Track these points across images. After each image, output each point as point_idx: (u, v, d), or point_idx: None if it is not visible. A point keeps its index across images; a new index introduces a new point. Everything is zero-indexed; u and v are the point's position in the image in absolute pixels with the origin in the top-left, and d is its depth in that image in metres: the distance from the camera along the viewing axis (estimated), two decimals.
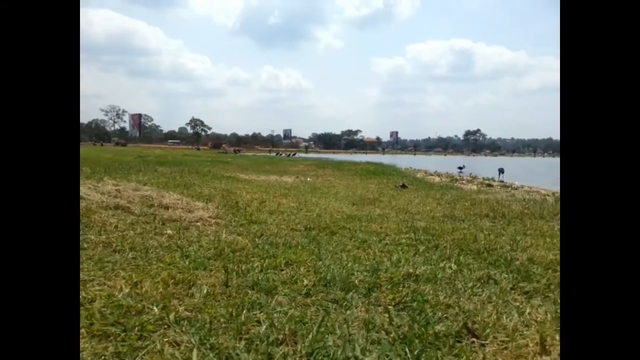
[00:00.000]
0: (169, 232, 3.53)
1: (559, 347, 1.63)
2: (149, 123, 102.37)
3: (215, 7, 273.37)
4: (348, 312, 1.97)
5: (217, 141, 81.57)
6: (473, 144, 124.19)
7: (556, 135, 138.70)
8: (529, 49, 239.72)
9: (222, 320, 1.81)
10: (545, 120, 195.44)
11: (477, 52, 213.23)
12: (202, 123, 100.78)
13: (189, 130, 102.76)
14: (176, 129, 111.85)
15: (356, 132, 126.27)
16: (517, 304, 2.15)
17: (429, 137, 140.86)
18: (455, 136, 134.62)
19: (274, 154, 45.39)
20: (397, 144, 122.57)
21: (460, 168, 20.37)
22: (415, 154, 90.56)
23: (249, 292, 2.18)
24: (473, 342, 1.68)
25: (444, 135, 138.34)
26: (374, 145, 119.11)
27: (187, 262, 2.68)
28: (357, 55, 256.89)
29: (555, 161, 71.47)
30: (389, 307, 2.06)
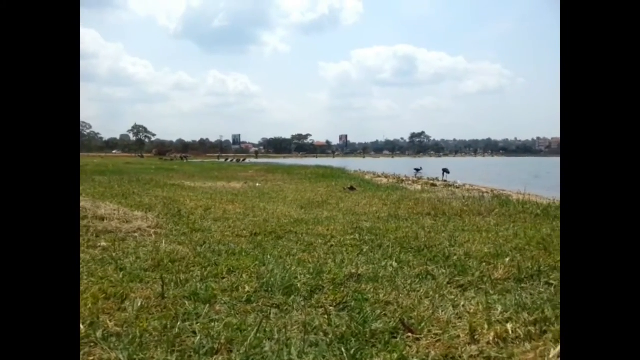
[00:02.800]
0: (103, 244, 3.34)
1: (487, 336, 1.71)
2: (88, 130, 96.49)
3: (156, 9, 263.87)
4: (288, 316, 1.95)
5: (162, 148, 78.78)
6: (418, 145, 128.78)
7: (495, 136, 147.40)
8: (467, 54, 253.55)
9: (154, 333, 1.72)
10: (484, 121, 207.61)
11: (419, 57, 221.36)
12: (145, 130, 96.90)
13: (132, 137, 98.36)
14: (118, 137, 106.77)
15: (306, 136, 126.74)
16: (452, 297, 2.24)
17: (377, 140, 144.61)
18: (402, 139, 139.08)
19: (222, 160, 44.37)
20: (346, 147, 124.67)
21: (417, 170, 19.78)
22: (364, 157, 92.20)
23: (186, 302, 2.10)
24: (409, 336, 1.73)
25: (391, 138, 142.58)
26: (324, 149, 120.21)
27: (121, 275, 2.54)
28: (304, 59, 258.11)
29: (494, 160, 76.05)
30: (330, 308, 2.07)
